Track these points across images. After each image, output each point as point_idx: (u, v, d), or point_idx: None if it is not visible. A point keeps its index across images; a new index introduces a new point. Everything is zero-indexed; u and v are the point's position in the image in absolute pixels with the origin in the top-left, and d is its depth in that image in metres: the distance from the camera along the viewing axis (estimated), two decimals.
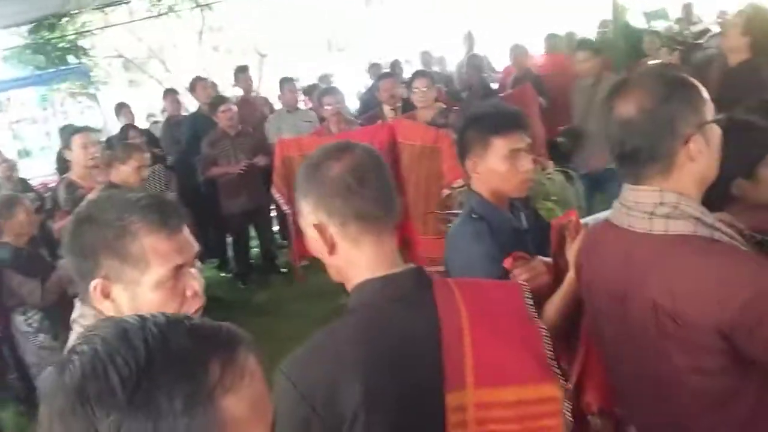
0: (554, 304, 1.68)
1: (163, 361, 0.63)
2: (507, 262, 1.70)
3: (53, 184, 4.91)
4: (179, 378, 0.62)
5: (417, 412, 1.10)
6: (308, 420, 1.07)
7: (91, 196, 3.60)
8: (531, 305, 1.22)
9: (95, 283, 1.16)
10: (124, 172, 3.79)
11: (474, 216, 1.91)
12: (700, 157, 1.27)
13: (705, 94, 1.30)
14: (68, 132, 4.37)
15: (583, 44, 4.63)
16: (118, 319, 0.69)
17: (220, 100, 5.79)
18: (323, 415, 1.06)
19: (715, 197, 1.52)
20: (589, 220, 1.91)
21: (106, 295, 1.16)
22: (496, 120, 1.89)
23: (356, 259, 1.19)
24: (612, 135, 1.34)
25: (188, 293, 1.19)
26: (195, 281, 1.21)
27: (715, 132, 1.30)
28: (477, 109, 1.97)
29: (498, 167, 1.87)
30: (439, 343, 1.13)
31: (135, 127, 6.10)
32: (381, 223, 1.19)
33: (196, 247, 1.24)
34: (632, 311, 1.33)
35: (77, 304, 1.27)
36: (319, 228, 1.18)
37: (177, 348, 0.64)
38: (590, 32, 7.76)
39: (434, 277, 1.24)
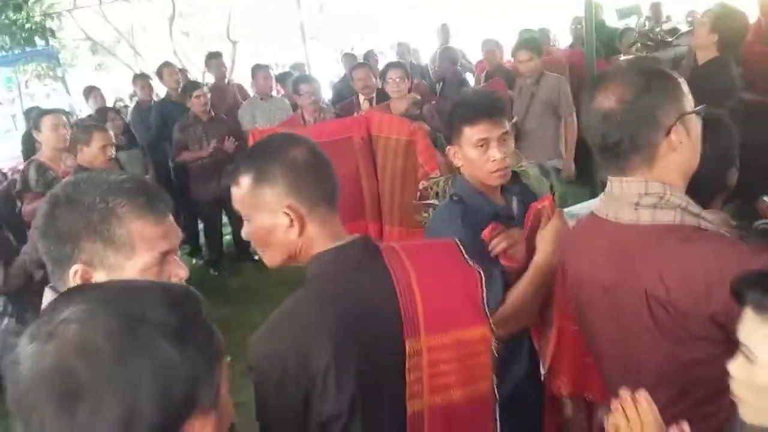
0: (519, 289, 1.73)
1: (180, 305, 0.72)
2: (485, 233, 1.74)
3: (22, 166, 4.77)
4: (202, 316, 0.73)
5: (381, 361, 1.24)
6: (282, 382, 1.17)
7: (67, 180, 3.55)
8: (465, 255, 1.39)
9: (75, 269, 1.10)
10: (90, 153, 3.69)
11: (455, 198, 1.94)
12: (681, 147, 1.29)
13: (684, 85, 1.32)
14: (37, 113, 4.27)
15: (525, 44, 4.68)
16: (106, 282, 0.72)
17: (193, 85, 5.73)
18: (295, 375, 1.16)
19: (715, 190, 1.59)
20: (578, 208, 1.93)
21: (86, 281, 1.10)
22: (466, 109, 1.91)
23: (318, 238, 1.29)
24: (593, 128, 1.34)
25: (174, 281, 1.16)
26: (180, 269, 1.18)
27: (695, 123, 1.33)
28: (458, 96, 2.00)
29: (469, 155, 1.89)
30: (396, 299, 1.28)
31: (113, 110, 5.95)
32: (336, 203, 1.34)
33: (180, 233, 1.23)
34: (622, 303, 1.34)
35: (47, 292, 1.19)
36: (295, 210, 1.24)
37: (179, 295, 0.74)
38: (564, 28, 7.86)
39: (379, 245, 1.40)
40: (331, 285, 1.25)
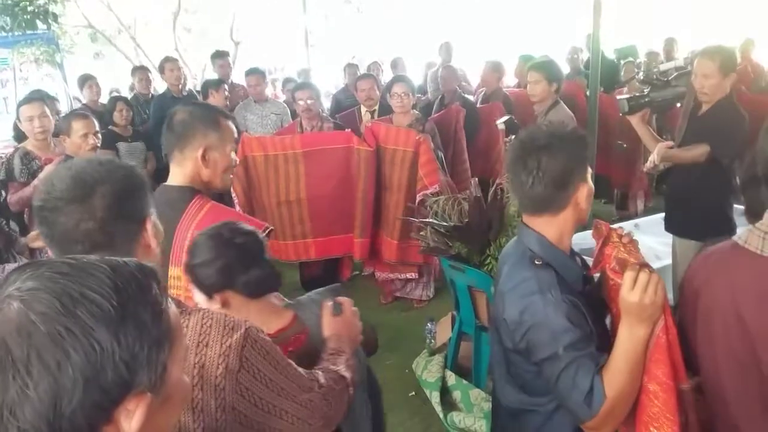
0: (621, 374, 1.45)
1: (124, 285, 0.71)
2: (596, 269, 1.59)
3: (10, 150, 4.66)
4: (150, 296, 0.74)
5: None
6: None
7: (49, 168, 3.46)
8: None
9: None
10: (73, 143, 3.60)
11: (537, 262, 1.61)
12: None
13: None
14: (18, 103, 4.18)
15: (535, 66, 4.29)
16: (59, 259, 0.73)
17: (216, 83, 5.71)
18: None
19: None
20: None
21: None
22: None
23: (171, 175, 1.98)
24: None
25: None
26: None
27: None
28: (569, 133, 1.64)
29: (584, 204, 1.65)
30: (173, 235, 1.81)
31: (124, 100, 5.78)
32: (187, 153, 1.94)
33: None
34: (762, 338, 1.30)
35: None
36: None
37: (126, 274, 0.73)
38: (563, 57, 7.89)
39: (203, 199, 1.89)
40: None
